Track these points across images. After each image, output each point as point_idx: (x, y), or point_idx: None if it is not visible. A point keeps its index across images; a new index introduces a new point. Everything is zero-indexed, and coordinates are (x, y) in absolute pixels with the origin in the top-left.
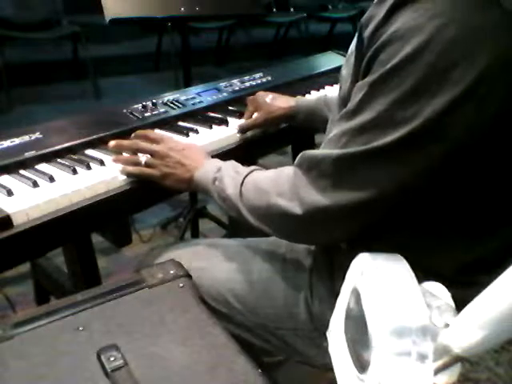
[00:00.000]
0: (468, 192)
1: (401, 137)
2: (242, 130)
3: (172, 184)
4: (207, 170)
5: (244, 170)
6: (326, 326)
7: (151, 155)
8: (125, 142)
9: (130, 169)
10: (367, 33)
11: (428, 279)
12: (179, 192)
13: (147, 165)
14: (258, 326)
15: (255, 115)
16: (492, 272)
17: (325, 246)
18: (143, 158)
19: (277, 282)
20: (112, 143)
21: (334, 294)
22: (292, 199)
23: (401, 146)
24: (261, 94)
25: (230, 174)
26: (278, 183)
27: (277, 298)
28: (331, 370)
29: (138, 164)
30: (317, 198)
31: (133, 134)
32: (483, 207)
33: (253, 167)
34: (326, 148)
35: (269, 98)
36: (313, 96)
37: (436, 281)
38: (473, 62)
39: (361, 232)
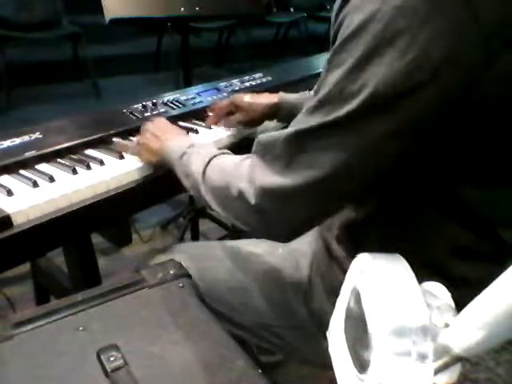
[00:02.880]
0: (426, 173)
1: (348, 112)
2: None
3: (144, 155)
4: (179, 144)
5: (215, 151)
6: (326, 323)
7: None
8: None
9: (125, 146)
10: (333, 13)
11: (425, 271)
12: (178, 192)
13: (137, 143)
14: (258, 326)
15: (236, 116)
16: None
17: (322, 241)
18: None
19: (276, 281)
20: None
21: (333, 290)
22: (248, 183)
23: (348, 120)
24: (238, 95)
25: (200, 152)
26: (240, 168)
27: (276, 296)
28: (331, 368)
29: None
30: (271, 179)
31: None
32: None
33: (224, 150)
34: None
35: (247, 97)
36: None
37: (430, 270)
38: (417, 33)
39: (325, 220)
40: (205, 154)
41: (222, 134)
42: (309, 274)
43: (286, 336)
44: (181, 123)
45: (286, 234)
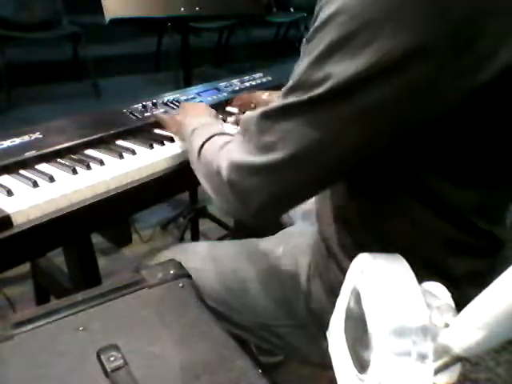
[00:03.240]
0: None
1: (310, 97)
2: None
3: (170, 126)
4: (195, 120)
5: (218, 130)
6: (326, 323)
7: None
8: None
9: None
10: (316, 8)
11: (424, 270)
12: (179, 192)
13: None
14: (258, 326)
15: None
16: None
17: (321, 240)
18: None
19: (275, 280)
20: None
21: (333, 290)
22: (225, 159)
23: (309, 106)
24: (257, 93)
25: (206, 130)
26: (226, 145)
27: (276, 295)
28: (330, 368)
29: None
30: (241, 156)
31: None
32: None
33: (226, 131)
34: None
35: (265, 94)
36: None
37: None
38: (382, 26)
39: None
40: (208, 131)
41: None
42: (308, 274)
43: (286, 336)
44: None
45: (254, 211)
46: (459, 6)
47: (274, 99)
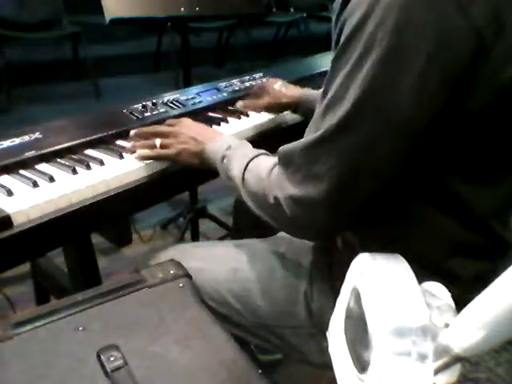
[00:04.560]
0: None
1: (345, 114)
2: (244, 107)
3: (185, 159)
4: (218, 146)
5: (251, 152)
6: (326, 323)
7: (166, 137)
8: (144, 128)
9: (147, 152)
10: (334, 17)
11: (428, 272)
12: (179, 192)
13: (162, 146)
14: (258, 326)
15: (265, 99)
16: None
17: (323, 243)
18: (158, 141)
19: (276, 281)
20: (132, 131)
21: (333, 290)
22: (280, 192)
23: (345, 124)
24: (271, 80)
25: (238, 155)
26: (271, 176)
27: (276, 296)
28: (330, 368)
29: (154, 147)
30: (293, 191)
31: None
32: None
33: (260, 151)
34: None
35: (278, 84)
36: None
37: (432, 272)
38: (405, 28)
39: (350, 225)
40: (242, 157)
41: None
42: (309, 274)
43: (286, 336)
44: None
45: (314, 237)
46: (479, 6)
47: (283, 90)
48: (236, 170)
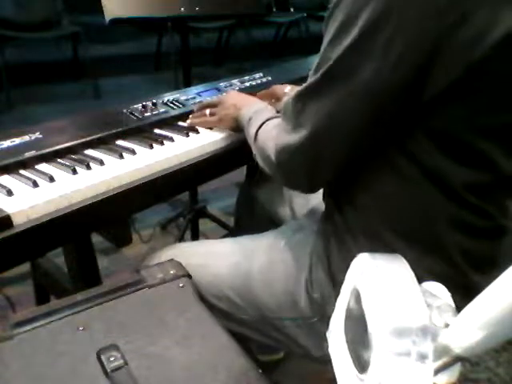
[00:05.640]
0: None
1: (323, 72)
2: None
3: (227, 124)
4: (248, 110)
5: (270, 115)
6: (326, 312)
7: (214, 106)
8: (198, 105)
9: (200, 120)
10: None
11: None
12: (179, 192)
13: (211, 114)
14: (259, 320)
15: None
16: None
17: (321, 228)
18: (207, 110)
19: (277, 272)
20: (195, 107)
21: (333, 278)
22: (273, 142)
23: (324, 81)
24: (278, 86)
25: (258, 117)
26: (274, 129)
27: (277, 287)
28: (331, 363)
29: (204, 116)
30: (284, 139)
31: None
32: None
33: (277, 114)
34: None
35: (287, 88)
36: None
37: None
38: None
39: (337, 186)
40: (261, 118)
41: (222, 133)
42: (310, 263)
43: (287, 329)
44: (181, 123)
45: (304, 185)
46: None
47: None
48: (253, 128)
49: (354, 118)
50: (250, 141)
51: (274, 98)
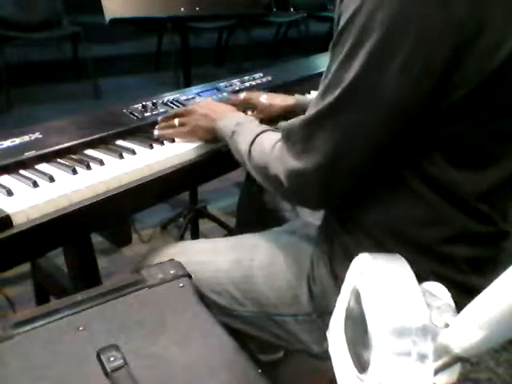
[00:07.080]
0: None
1: (340, 93)
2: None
3: (200, 135)
4: (228, 122)
5: (258, 128)
6: (327, 307)
7: (183, 116)
8: (164, 115)
9: (169, 131)
10: (336, 10)
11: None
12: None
13: (180, 124)
14: (259, 316)
15: (255, 114)
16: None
17: (324, 226)
18: (176, 121)
19: (279, 267)
20: (159, 117)
21: (335, 273)
22: (280, 165)
23: (338, 105)
24: (254, 94)
25: (246, 131)
26: (274, 150)
27: (279, 281)
28: (329, 358)
29: (173, 127)
30: (293, 163)
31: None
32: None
33: (266, 127)
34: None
35: (263, 97)
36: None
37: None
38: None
39: (345, 201)
40: (249, 132)
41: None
42: (312, 259)
43: (288, 325)
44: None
45: (314, 206)
46: (461, 4)
47: (274, 101)
48: (244, 145)
49: (376, 134)
50: (241, 157)
51: (250, 106)
